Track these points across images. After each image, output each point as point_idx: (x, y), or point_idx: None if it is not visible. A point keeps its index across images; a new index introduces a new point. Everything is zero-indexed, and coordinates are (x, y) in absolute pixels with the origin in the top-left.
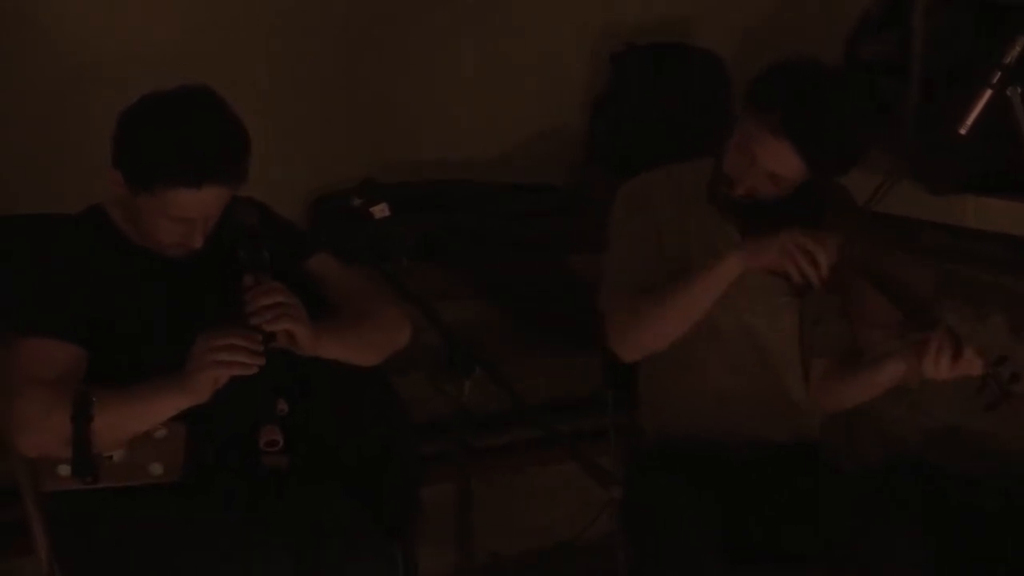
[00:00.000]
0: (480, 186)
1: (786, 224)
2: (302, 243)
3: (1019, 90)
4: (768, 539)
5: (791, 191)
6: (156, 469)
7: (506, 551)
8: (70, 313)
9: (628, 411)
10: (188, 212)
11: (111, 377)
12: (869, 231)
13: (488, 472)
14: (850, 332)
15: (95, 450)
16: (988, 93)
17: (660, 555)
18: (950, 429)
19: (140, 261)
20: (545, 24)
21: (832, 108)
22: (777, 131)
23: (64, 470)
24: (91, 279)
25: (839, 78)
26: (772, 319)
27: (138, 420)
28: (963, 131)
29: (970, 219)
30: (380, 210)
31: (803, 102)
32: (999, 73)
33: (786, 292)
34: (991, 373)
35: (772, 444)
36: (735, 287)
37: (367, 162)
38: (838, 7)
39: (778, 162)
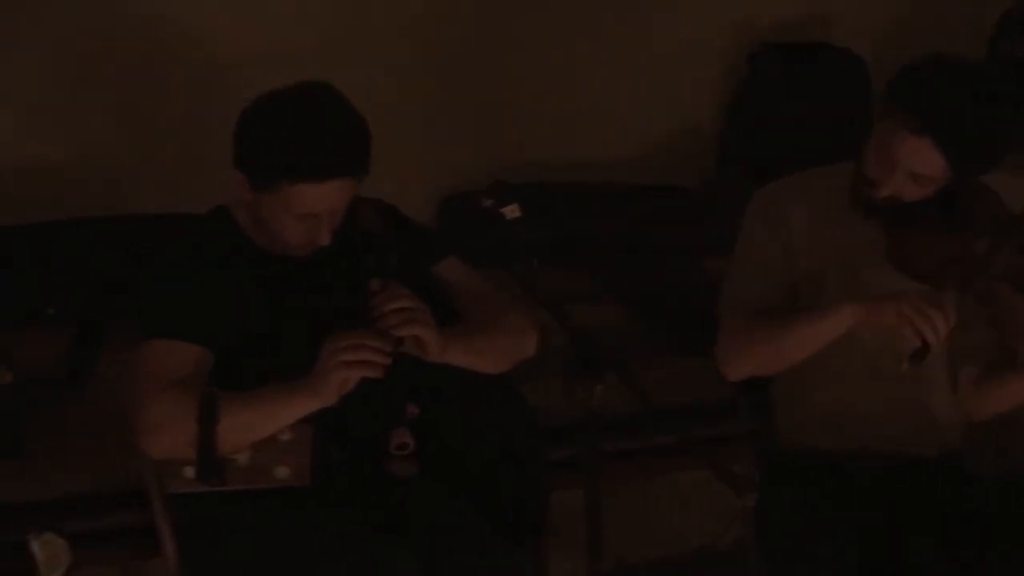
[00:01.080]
0: (612, 188)
1: (933, 229)
2: (431, 247)
3: None
4: (904, 555)
5: (936, 193)
6: (282, 472)
7: (635, 558)
8: (195, 315)
9: (761, 417)
10: (313, 207)
11: (236, 380)
12: (1018, 237)
13: (618, 478)
14: (999, 340)
15: (221, 452)
16: None
17: (793, 572)
18: None
19: (265, 263)
20: (680, 24)
21: (974, 104)
22: (918, 129)
23: (190, 472)
24: (216, 281)
25: (982, 75)
26: None
27: (264, 422)
28: None
29: None
30: (511, 211)
31: (945, 98)
32: None
33: None
34: None
35: (911, 456)
36: (876, 295)
37: (497, 163)
38: (979, 6)
39: (920, 161)
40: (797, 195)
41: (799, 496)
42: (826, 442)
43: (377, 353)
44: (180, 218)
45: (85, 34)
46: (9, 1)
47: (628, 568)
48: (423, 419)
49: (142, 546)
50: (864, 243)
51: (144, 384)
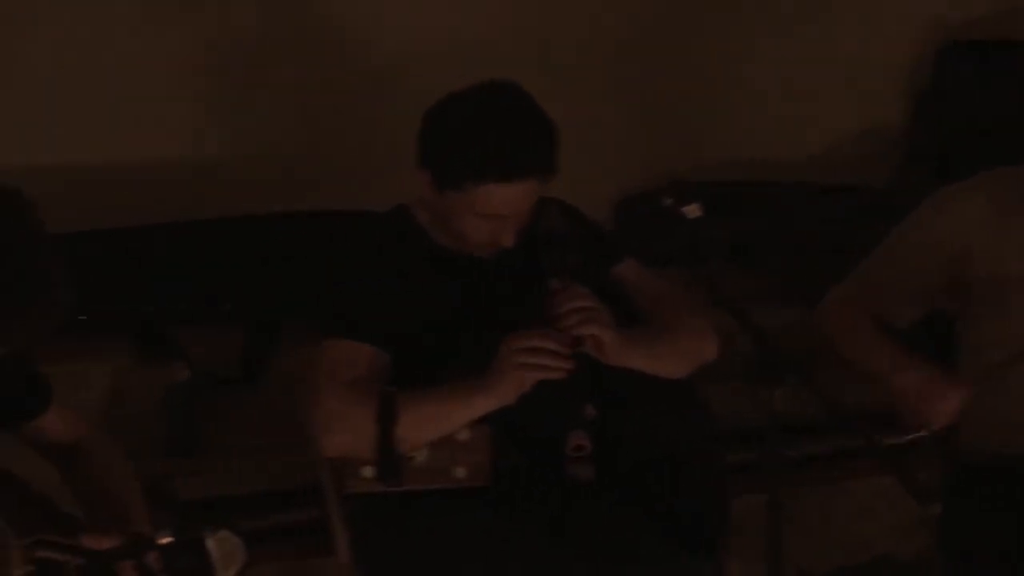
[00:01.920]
0: (795, 186)
1: None
2: (610, 248)
3: None
4: None
5: None
6: (460, 473)
7: (817, 566)
8: (374, 315)
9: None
10: (498, 208)
11: (415, 379)
12: None
13: (800, 483)
14: None
15: (399, 452)
16: None
17: None
18: None
19: (445, 263)
20: (865, 18)
21: None
22: None
23: (368, 472)
24: (395, 281)
25: None
26: None
27: (443, 422)
28: None
29: None
30: (691, 210)
31: None
32: None
33: None
34: None
35: None
36: None
37: (677, 162)
38: None
39: None
40: (982, 194)
41: (985, 505)
42: (1012, 449)
43: (555, 357)
44: (358, 216)
45: (261, 33)
46: (190, 2)
47: None
48: (601, 422)
49: (316, 545)
50: None
51: (321, 382)
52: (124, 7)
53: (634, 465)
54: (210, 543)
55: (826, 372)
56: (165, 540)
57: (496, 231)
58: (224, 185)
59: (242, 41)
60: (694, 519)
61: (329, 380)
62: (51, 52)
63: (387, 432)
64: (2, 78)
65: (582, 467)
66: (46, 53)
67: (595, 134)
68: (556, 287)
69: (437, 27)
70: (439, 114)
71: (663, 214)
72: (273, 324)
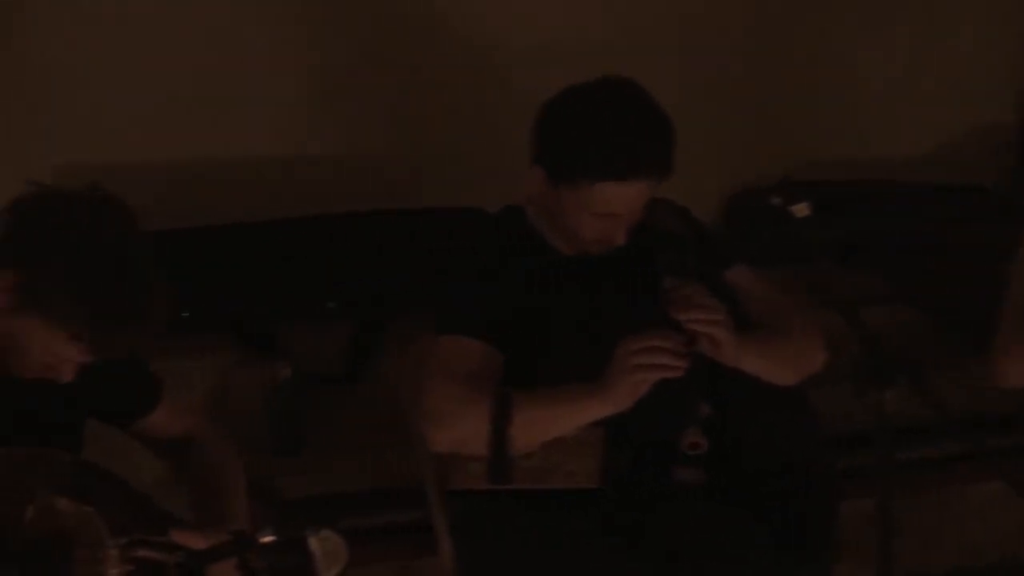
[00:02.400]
0: (906, 186)
1: None
2: (721, 252)
3: None
4: None
5: None
6: (571, 473)
7: (927, 572)
8: (487, 313)
9: None
10: (612, 207)
11: (526, 379)
12: None
13: (911, 488)
14: None
15: (511, 452)
16: None
17: None
18: None
19: (557, 263)
20: (975, 17)
21: None
22: None
23: (475, 469)
24: (509, 280)
25: None
26: None
27: (557, 423)
28: None
29: None
30: (800, 210)
31: None
32: None
33: None
34: None
35: None
36: None
37: (786, 160)
38: None
39: None
40: None
41: None
42: None
43: (673, 354)
44: (473, 215)
45: (366, 30)
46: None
47: None
48: (716, 421)
49: (419, 545)
50: None
51: (435, 378)
52: (227, 4)
53: (744, 469)
54: (313, 542)
55: (936, 374)
56: (268, 539)
57: (608, 229)
58: (329, 183)
59: (347, 38)
60: (803, 524)
61: (442, 376)
62: (151, 49)
63: (501, 431)
64: (107, 76)
65: (692, 471)
66: (146, 50)
67: (703, 133)
68: (671, 287)
69: (542, 23)
70: (556, 110)
71: (771, 213)
72: (377, 322)
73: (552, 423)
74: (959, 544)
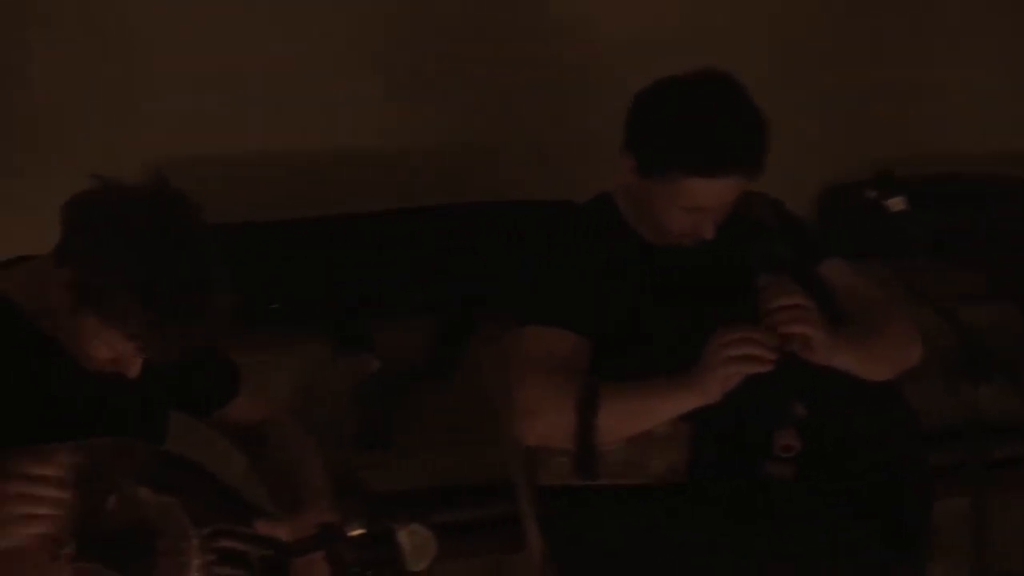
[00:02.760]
0: (1003, 181)
1: None
2: (815, 246)
3: None
4: None
5: None
6: (657, 468)
7: (1021, 570)
8: (574, 303)
9: None
10: (701, 201)
11: (614, 370)
12: None
13: (1006, 485)
14: None
15: (597, 444)
16: None
17: None
18: None
19: (647, 254)
20: None
21: None
22: None
23: (562, 463)
24: (597, 269)
25: None
26: None
27: (645, 416)
28: None
29: None
30: (896, 204)
31: None
32: None
33: None
34: None
35: None
36: None
37: (882, 153)
38: None
39: None
40: None
41: None
42: None
43: (764, 349)
44: (561, 205)
45: (453, 20)
46: None
47: None
48: (808, 423)
49: (507, 539)
50: None
51: (522, 369)
52: None
53: (836, 465)
54: (401, 536)
55: None
56: (356, 532)
57: (697, 223)
58: (418, 176)
59: (434, 32)
60: (896, 521)
61: (530, 367)
62: (239, 43)
63: (587, 423)
64: (198, 71)
65: (783, 467)
66: (234, 41)
67: (799, 125)
68: (765, 283)
69: (637, 17)
70: (649, 100)
71: (867, 207)
72: (465, 316)
73: (640, 415)
74: None
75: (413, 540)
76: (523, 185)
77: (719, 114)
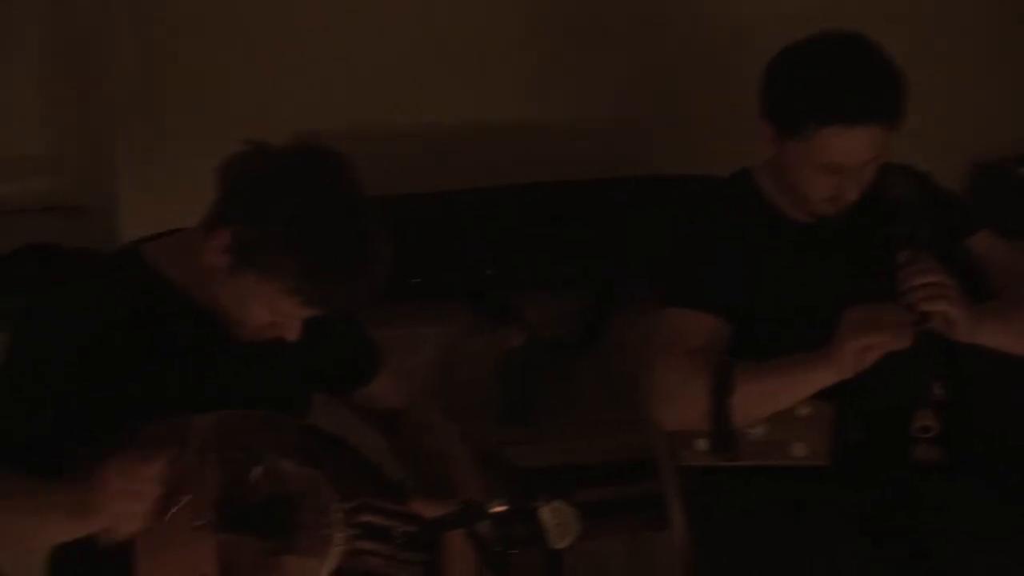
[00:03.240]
0: None
1: None
2: (965, 218)
3: None
4: None
5: None
6: (799, 450)
7: None
8: (714, 284)
9: None
10: (842, 157)
11: (751, 349)
12: None
13: None
14: None
15: (735, 425)
16: None
17: None
18: None
19: (786, 230)
20: None
21: None
22: None
23: (702, 444)
24: (737, 249)
25: None
26: None
27: (780, 394)
28: None
29: None
30: None
31: None
32: None
33: None
34: None
35: None
36: None
37: None
38: None
39: None
40: None
41: None
42: None
43: (900, 327)
44: (701, 181)
45: None
46: None
47: None
48: (950, 402)
49: (650, 518)
50: None
51: (659, 353)
52: None
53: (987, 446)
54: (544, 513)
55: None
56: (498, 509)
57: (839, 186)
58: (562, 149)
59: (577, 4)
60: None
61: (667, 351)
62: (385, 11)
63: (722, 403)
64: (351, 40)
65: (929, 448)
66: (379, 12)
67: (952, 100)
68: (904, 260)
69: None
70: (781, 61)
71: (1017, 184)
72: (611, 290)
73: (775, 394)
74: None
75: (556, 518)
76: (670, 159)
77: (852, 64)
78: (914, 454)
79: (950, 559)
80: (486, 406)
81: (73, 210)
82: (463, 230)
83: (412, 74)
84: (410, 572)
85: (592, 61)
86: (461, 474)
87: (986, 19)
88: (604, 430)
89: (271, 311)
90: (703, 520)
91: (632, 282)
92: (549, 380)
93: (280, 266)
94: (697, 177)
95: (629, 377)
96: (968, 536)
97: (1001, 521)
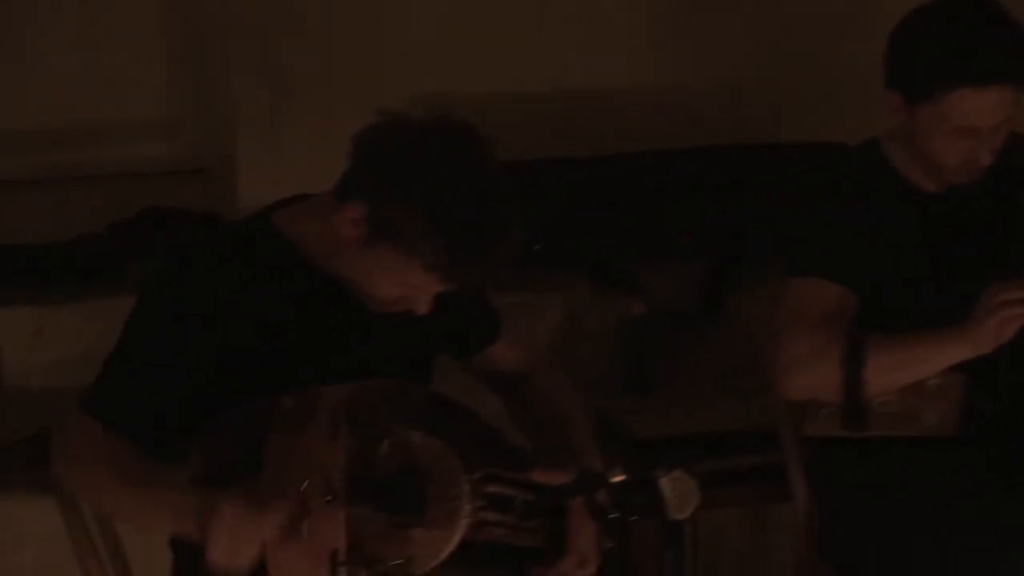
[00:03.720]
0: None
1: None
2: None
3: None
4: None
5: None
6: (929, 420)
7: None
8: (842, 255)
9: None
10: (972, 120)
11: (881, 321)
12: None
13: None
14: None
15: (865, 397)
16: None
17: None
18: None
19: (916, 201)
20: None
21: None
22: None
23: (830, 415)
24: (865, 219)
25: None
26: None
27: (915, 368)
28: None
29: None
30: None
31: None
32: None
33: None
34: None
35: None
36: None
37: None
38: None
39: None
40: None
41: None
42: None
43: None
44: (829, 148)
45: None
46: None
47: None
48: None
49: (772, 489)
50: None
51: (787, 323)
52: None
53: None
54: (663, 483)
55: None
56: (617, 478)
57: (971, 150)
58: (687, 115)
59: None
60: None
61: (795, 320)
62: None
63: (854, 377)
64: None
65: None
66: None
67: None
68: None
69: None
70: (907, 25)
71: None
72: (733, 259)
73: (908, 367)
74: None
75: (676, 488)
76: (795, 126)
77: (980, 26)
78: None
79: None
80: (606, 376)
81: (192, 174)
82: (584, 197)
83: (534, 39)
84: (532, 540)
85: (715, 24)
86: (581, 442)
87: None
88: (725, 400)
89: (403, 286)
90: (825, 491)
91: (755, 251)
92: (670, 350)
93: (420, 242)
94: (825, 144)
95: (751, 347)
96: None
97: None
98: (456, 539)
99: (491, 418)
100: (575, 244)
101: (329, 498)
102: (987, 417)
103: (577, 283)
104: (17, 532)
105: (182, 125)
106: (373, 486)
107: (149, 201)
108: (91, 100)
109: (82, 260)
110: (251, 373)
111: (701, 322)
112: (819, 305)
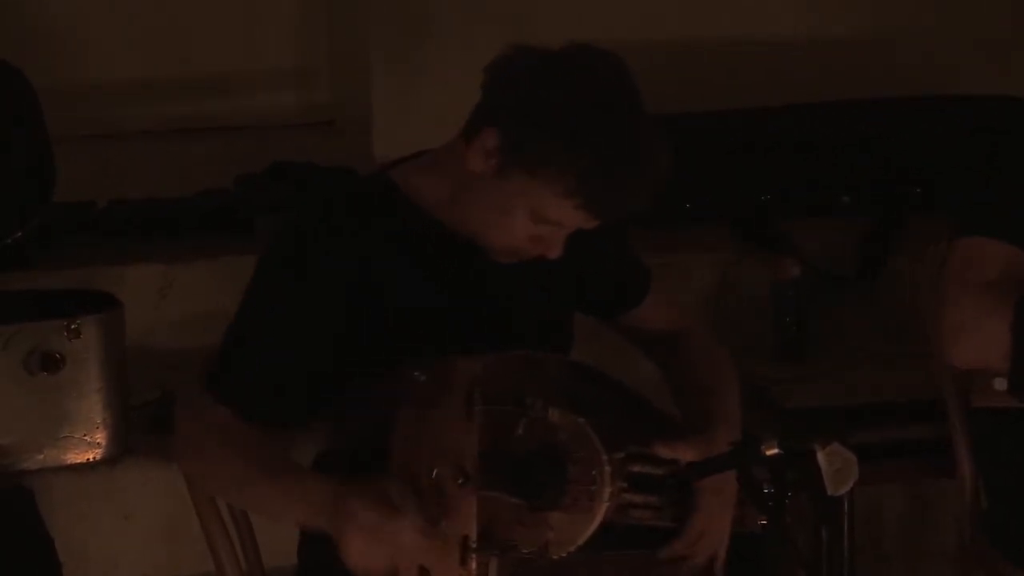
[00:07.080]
0: None
1: None
2: None
3: None
4: None
5: None
6: None
7: None
8: (1014, 211)
9: None
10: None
11: None
12: None
13: None
14: None
15: None
16: None
17: None
18: None
19: None
20: None
21: None
22: None
23: (999, 384)
24: None
25: None
26: None
27: None
28: None
29: None
30: None
31: None
32: None
33: None
34: None
35: None
36: None
37: None
38: None
39: None
40: None
41: None
42: None
43: None
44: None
45: None
46: None
47: None
48: None
49: (936, 464)
50: None
51: (952, 286)
52: None
53: None
54: (821, 457)
55: None
56: (772, 451)
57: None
58: (849, 67)
59: None
60: None
61: (960, 284)
62: None
63: (1022, 340)
64: None
65: None
66: None
67: None
68: None
69: None
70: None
71: None
72: (896, 219)
73: None
74: None
75: (833, 462)
76: (960, 79)
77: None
78: None
79: None
80: (757, 341)
81: (324, 126)
82: (737, 152)
83: None
84: (672, 515)
85: None
86: (726, 412)
87: None
88: (884, 368)
89: (537, 219)
90: (995, 467)
91: (918, 210)
92: (825, 314)
93: (556, 165)
94: (995, 97)
95: (913, 311)
96: None
97: None
98: (596, 523)
99: (638, 384)
100: (727, 202)
101: (461, 480)
102: None
103: (728, 243)
104: (140, 494)
105: (313, 74)
106: (509, 468)
107: (279, 154)
108: (220, 49)
109: (210, 215)
110: (375, 340)
111: (858, 285)
112: (988, 266)
